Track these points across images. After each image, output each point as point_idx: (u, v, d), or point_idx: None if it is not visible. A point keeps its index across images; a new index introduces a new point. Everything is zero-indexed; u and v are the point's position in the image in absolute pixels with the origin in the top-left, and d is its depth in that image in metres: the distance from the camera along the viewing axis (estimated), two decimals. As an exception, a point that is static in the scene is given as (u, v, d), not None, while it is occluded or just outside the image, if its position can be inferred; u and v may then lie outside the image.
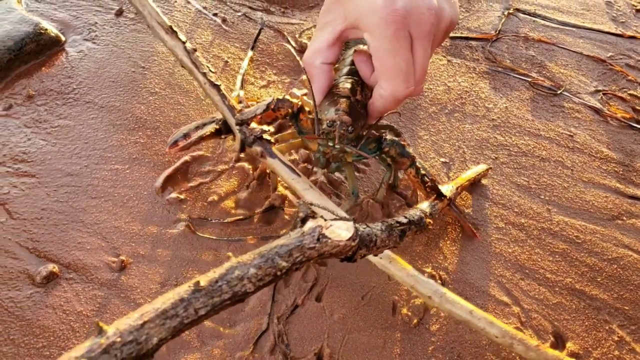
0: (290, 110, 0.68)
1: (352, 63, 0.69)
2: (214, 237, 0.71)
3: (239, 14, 1.02)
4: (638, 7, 1.18)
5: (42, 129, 0.79)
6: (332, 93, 0.65)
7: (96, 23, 0.95)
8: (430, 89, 0.95)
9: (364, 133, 0.66)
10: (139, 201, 0.74)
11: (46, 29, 0.90)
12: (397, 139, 0.69)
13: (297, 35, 1.00)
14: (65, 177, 0.75)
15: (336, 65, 0.71)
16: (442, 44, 1.03)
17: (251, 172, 0.78)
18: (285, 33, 1.00)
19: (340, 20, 0.62)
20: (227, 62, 0.93)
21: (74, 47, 0.91)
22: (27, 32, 0.88)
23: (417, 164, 0.70)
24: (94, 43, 0.92)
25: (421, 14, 0.56)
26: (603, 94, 0.99)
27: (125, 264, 0.67)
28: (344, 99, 0.63)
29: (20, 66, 0.87)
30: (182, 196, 0.75)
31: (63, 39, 0.92)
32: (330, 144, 0.63)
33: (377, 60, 0.59)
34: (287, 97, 0.69)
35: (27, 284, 0.64)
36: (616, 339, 0.68)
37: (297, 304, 0.66)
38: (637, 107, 0.97)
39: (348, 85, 0.65)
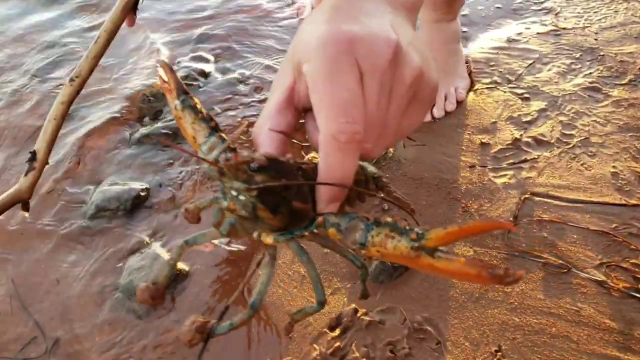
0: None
1: None
2: None
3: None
4: (641, 174, 1.40)
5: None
6: None
7: (212, 257, 1.34)
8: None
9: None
10: None
11: (180, 268, 1.29)
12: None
13: (354, 245, 1.33)
14: None
15: None
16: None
17: None
18: (346, 243, 1.33)
19: (289, 72, 0.54)
20: (304, 276, 1.27)
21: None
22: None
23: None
24: (211, 274, 1.30)
25: (374, 44, 0.48)
26: (606, 266, 1.21)
27: None
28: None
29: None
30: None
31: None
32: (226, 180, 0.51)
33: (314, 91, 0.49)
34: None
35: None
36: None
37: None
38: (638, 276, 1.18)
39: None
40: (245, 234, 0.55)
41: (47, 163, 0.97)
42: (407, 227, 0.46)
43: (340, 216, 0.51)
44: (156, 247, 1.37)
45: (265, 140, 0.55)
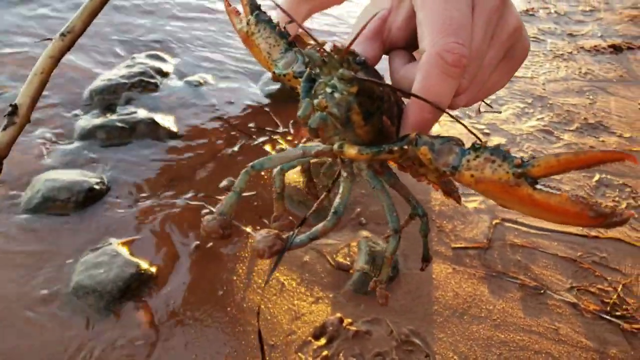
0: None
1: None
2: None
3: (288, 240, 1.32)
4: (597, 209, 1.49)
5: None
6: None
7: (179, 257, 1.24)
8: (442, 294, 1.22)
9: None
10: None
11: (146, 269, 1.18)
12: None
13: (333, 255, 1.29)
14: None
15: None
16: (446, 251, 1.31)
17: None
18: (325, 253, 1.29)
19: (386, 2, 0.54)
20: (283, 284, 1.21)
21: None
22: (132, 274, 1.16)
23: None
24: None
25: None
26: (577, 289, 1.26)
27: None
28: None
29: (129, 300, 1.14)
30: None
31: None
32: (324, 71, 0.48)
33: (423, 7, 0.47)
34: None
35: None
36: None
37: None
38: (605, 300, 1.24)
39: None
40: (332, 135, 0.51)
41: (29, 120, 0.87)
42: (511, 153, 0.44)
43: (434, 137, 0.47)
44: (114, 242, 1.25)
45: None
